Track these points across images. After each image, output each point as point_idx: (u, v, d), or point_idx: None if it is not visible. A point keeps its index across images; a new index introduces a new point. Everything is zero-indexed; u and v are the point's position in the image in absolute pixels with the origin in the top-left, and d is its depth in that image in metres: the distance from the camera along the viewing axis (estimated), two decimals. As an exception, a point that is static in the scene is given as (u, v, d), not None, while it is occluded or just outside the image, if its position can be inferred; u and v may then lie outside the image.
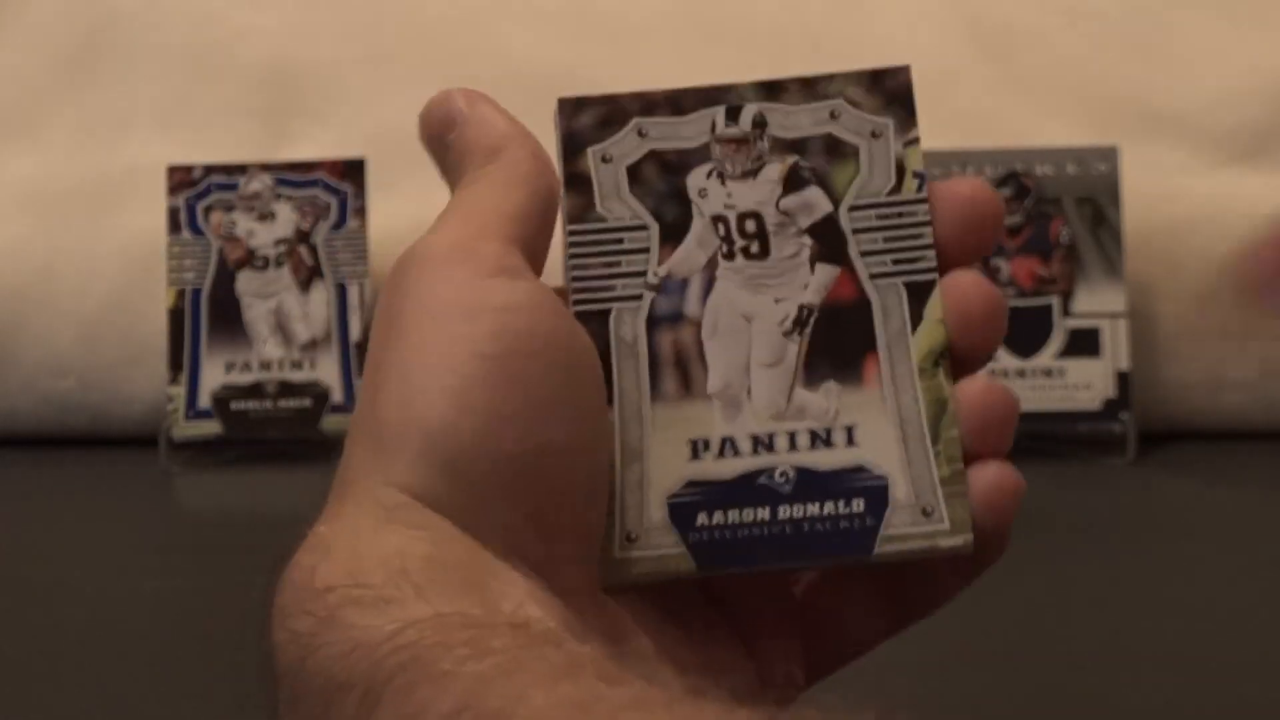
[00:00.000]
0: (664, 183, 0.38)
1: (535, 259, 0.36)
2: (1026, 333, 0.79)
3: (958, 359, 0.36)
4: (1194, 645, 0.53)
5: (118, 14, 0.97)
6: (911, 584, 0.37)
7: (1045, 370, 0.78)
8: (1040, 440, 0.77)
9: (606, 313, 0.37)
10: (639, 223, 0.38)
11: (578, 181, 0.38)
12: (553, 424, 0.33)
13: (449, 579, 0.30)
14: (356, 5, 0.97)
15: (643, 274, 0.37)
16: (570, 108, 0.38)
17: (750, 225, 0.38)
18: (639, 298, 0.37)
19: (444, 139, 0.37)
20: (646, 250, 0.37)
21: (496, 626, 0.28)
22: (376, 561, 0.30)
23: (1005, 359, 0.79)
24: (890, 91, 0.38)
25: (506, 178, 0.36)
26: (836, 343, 0.37)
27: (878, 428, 0.36)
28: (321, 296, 0.83)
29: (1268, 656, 0.51)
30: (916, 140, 0.38)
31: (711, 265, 0.37)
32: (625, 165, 0.38)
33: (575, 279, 0.37)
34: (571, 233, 0.37)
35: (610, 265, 0.37)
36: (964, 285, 0.37)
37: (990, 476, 0.36)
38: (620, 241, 0.37)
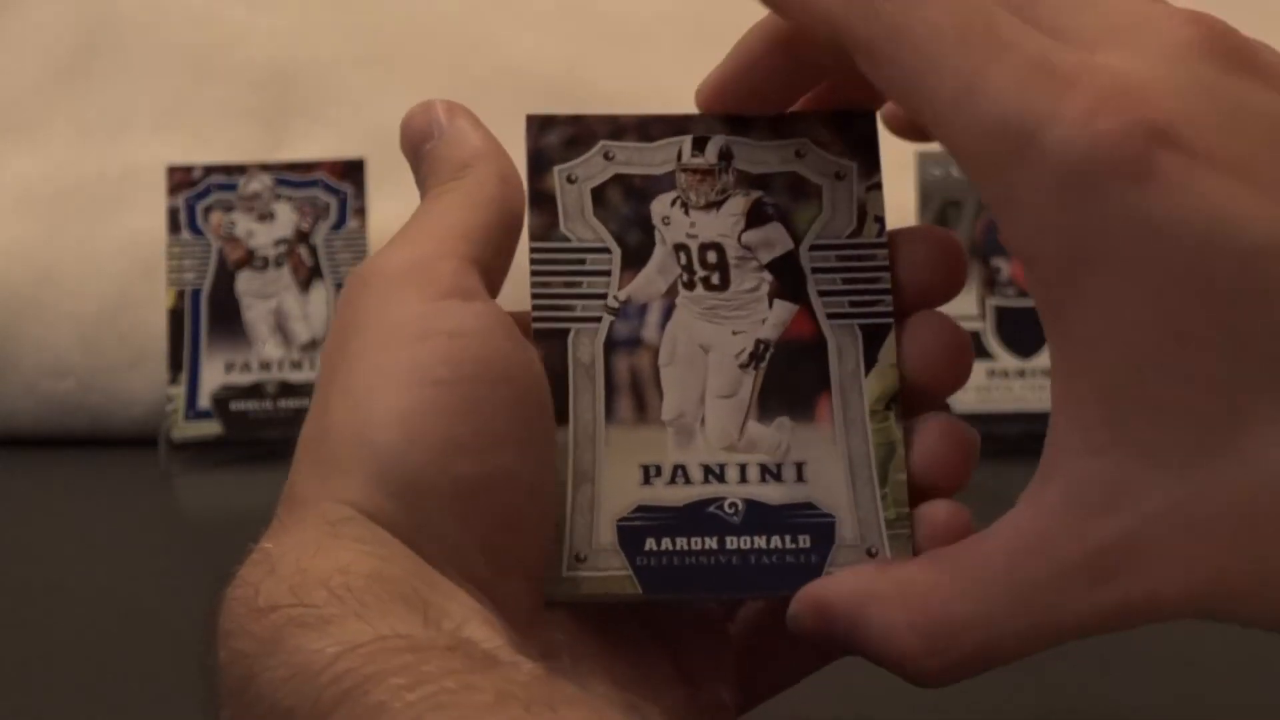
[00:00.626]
0: (628, 207, 0.38)
1: (492, 279, 0.36)
2: (1026, 333, 0.79)
3: (921, 397, 0.37)
4: (1194, 645, 0.53)
5: (117, 14, 0.97)
6: None
7: (1045, 370, 0.78)
8: (1040, 441, 0.77)
9: (565, 332, 0.37)
10: (601, 245, 0.38)
11: (542, 200, 0.38)
12: (502, 451, 0.33)
13: (392, 596, 0.30)
14: (356, 5, 0.97)
15: (603, 296, 0.37)
16: (537, 125, 0.39)
17: (711, 256, 0.38)
18: (598, 319, 0.37)
19: (419, 150, 0.38)
20: (608, 273, 0.38)
21: (434, 649, 0.28)
22: (320, 579, 0.30)
23: (1005, 359, 0.79)
24: (856, 135, 0.39)
25: (469, 196, 0.36)
26: (791, 379, 0.37)
27: (827, 466, 0.37)
28: (321, 297, 0.83)
29: (1268, 657, 0.51)
30: (879, 185, 0.39)
31: (671, 293, 0.38)
32: (590, 187, 0.38)
33: (536, 297, 0.37)
34: (534, 250, 0.38)
35: (571, 285, 0.37)
36: (930, 325, 0.37)
37: (940, 516, 0.36)
38: (582, 262, 0.38)
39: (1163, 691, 0.49)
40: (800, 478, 0.36)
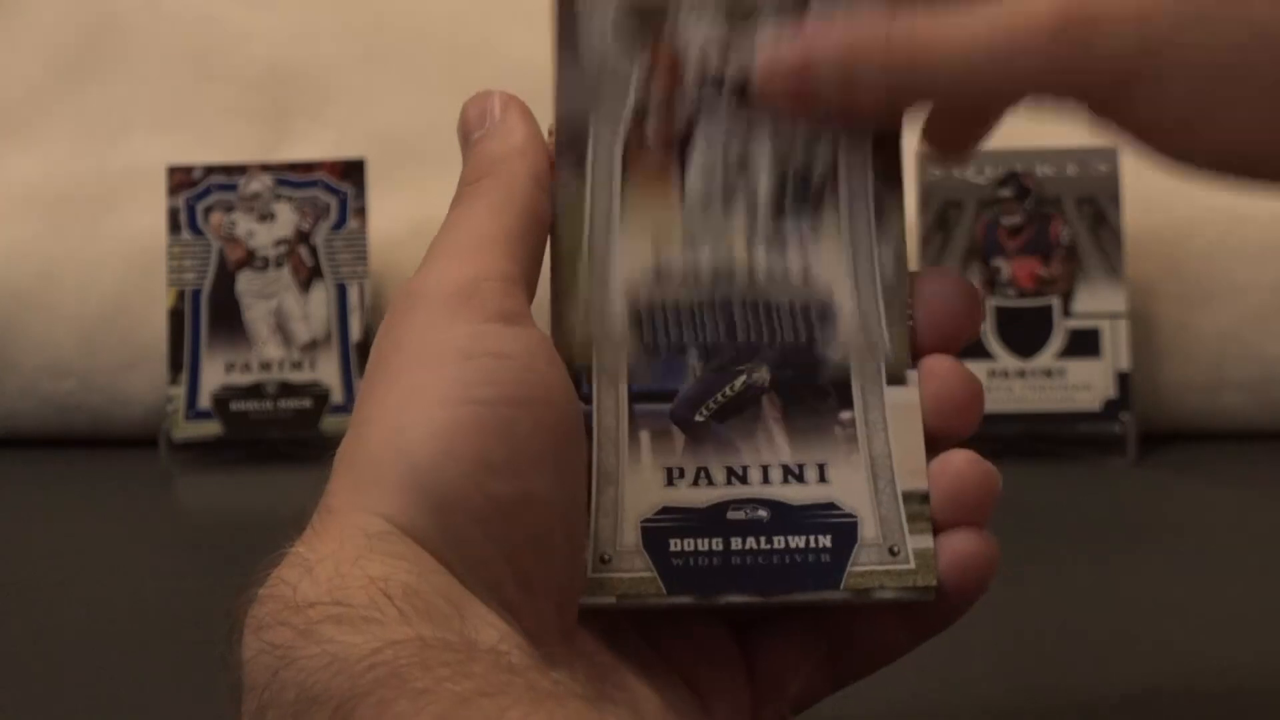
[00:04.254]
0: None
1: (531, 285, 0.36)
2: (1027, 333, 0.79)
3: (936, 441, 0.37)
4: (1194, 645, 0.53)
5: (118, 14, 0.97)
6: (859, 639, 0.38)
7: (1045, 371, 0.78)
8: (1040, 440, 0.77)
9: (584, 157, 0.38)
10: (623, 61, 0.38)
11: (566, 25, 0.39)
12: (536, 473, 0.33)
13: (429, 608, 0.30)
14: (356, 5, 0.97)
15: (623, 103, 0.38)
16: None
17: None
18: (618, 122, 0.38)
19: (469, 139, 0.38)
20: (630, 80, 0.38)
21: (478, 653, 0.28)
22: (359, 584, 0.30)
23: (1005, 359, 0.79)
24: None
25: (501, 198, 0.37)
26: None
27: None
28: (321, 297, 0.83)
29: (1268, 656, 0.51)
30: None
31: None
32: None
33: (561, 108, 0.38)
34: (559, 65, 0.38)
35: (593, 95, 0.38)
36: (942, 372, 0.37)
37: (961, 544, 0.36)
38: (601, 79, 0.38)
39: (1163, 691, 0.49)
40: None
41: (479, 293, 0.34)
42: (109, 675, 0.53)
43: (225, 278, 0.83)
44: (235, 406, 0.82)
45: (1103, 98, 0.35)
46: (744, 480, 0.37)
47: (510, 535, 0.33)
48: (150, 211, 0.85)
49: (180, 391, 0.82)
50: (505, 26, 0.94)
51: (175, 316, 0.83)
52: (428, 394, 0.33)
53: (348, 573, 0.30)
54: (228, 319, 0.83)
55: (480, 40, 0.93)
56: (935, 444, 0.37)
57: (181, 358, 0.82)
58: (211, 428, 0.82)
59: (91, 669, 0.53)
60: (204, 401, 0.82)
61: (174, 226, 0.84)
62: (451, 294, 0.34)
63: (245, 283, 0.84)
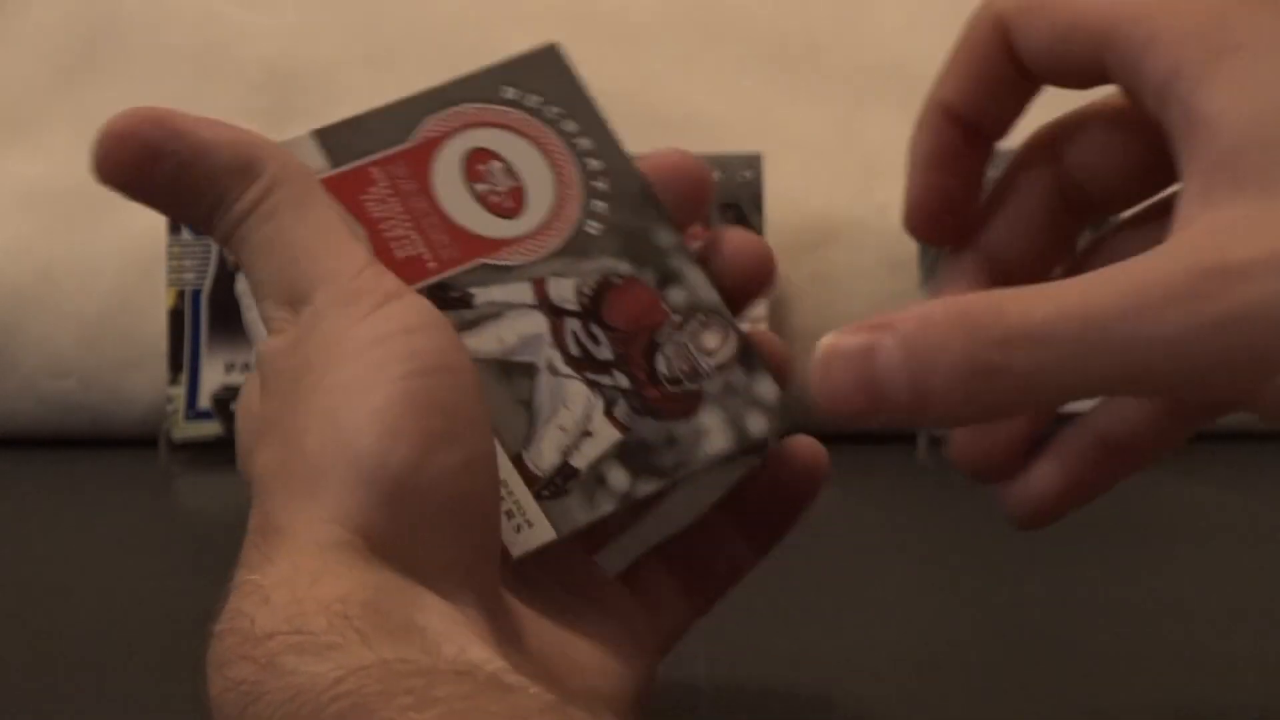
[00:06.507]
0: None
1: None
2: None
3: (738, 303, 0.41)
4: (1196, 646, 0.53)
5: (118, 14, 0.97)
6: (766, 506, 0.41)
7: (1045, 370, 0.78)
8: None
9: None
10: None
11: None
12: (474, 434, 0.34)
13: (391, 624, 0.30)
14: (356, 5, 0.97)
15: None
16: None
17: None
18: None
19: (156, 170, 0.38)
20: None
21: (441, 674, 0.28)
22: (318, 608, 0.29)
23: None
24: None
25: (298, 196, 0.37)
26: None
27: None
28: (321, 297, 0.83)
29: (1270, 657, 0.51)
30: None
31: None
32: None
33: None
34: None
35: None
36: (735, 239, 0.41)
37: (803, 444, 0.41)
38: None
39: (1164, 691, 0.49)
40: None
41: (355, 287, 0.35)
42: (108, 676, 0.53)
43: (225, 278, 0.83)
44: (235, 406, 0.82)
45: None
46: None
47: (466, 502, 0.33)
48: (150, 212, 0.85)
49: (180, 391, 0.82)
50: (505, 27, 0.94)
51: (175, 316, 0.83)
52: (356, 384, 0.33)
53: (304, 596, 0.30)
54: (227, 319, 0.83)
55: (480, 41, 0.93)
56: (737, 305, 0.40)
57: (181, 358, 0.82)
58: (211, 428, 0.82)
59: (90, 670, 0.53)
60: (204, 401, 0.82)
61: (174, 226, 0.84)
62: (336, 297, 0.35)
63: (245, 283, 0.83)
